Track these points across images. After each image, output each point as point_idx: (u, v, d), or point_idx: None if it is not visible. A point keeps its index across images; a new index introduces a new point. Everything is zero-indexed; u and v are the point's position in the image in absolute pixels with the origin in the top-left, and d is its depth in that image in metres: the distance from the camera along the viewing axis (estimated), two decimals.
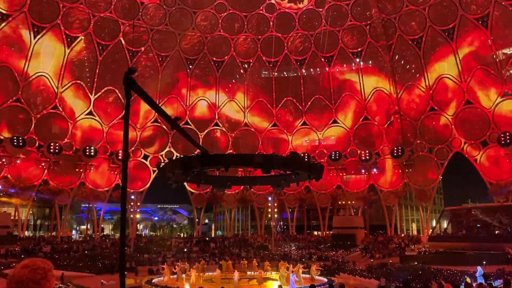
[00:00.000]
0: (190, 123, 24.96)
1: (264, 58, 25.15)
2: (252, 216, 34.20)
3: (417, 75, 23.22)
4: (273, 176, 10.50)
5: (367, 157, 23.83)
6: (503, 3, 19.81)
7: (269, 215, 26.99)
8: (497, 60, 20.72)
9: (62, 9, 21.60)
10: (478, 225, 19.16)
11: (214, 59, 25.07)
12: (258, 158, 10.06)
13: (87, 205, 24.68)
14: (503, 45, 20.64)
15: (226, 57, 25.13)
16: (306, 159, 22.47)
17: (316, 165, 10.17)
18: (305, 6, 24.00)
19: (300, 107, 25.35)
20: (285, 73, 25.83)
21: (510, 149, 20.39)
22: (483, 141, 21.57)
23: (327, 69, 25.06)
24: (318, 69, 25.63)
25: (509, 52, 20.87)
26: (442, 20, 21.73)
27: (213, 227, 41.89)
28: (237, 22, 24.55)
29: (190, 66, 24.97)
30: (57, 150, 22.20)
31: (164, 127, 24.16)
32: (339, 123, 24.96)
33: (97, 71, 23.11)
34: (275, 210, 26.96)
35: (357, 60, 24.59)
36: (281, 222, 34.85)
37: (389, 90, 23.77)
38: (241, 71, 25.52)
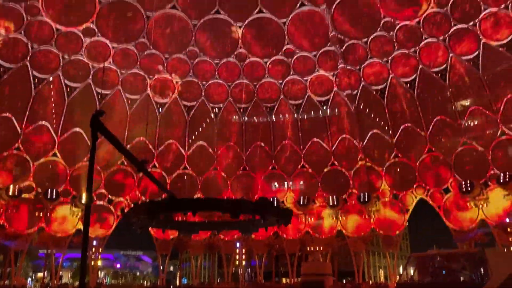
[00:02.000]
0: (157, 166, 24.68)
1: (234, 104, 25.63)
2: (219, 263, 33.24)
3: (381, 123, 24.08)
4: (241, 221, 10.37)
5: (335, 203, 24.10)
6: (463, 58, 21.14)
7: (237, 262, 26.39)
8: (456, 111, 21.94)
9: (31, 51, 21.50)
10: (444, 272, 19.38)
11: (185, 103, 25.25)
12: (227, 203, 9.97)
13: (46, 251, 23.51)
14: (461, 97, 21.90)
15: (196, 102, 25.36)
16: (275, 204, 22.43)
17: (284, 210, 10.16)
18: (275, 56, 24.77)
19: (270, 152, 25.63)
20: (255, 118, 26.22)
21: (472, 195, 21.07)
22: (446, 188, 22.31)
23: (295, 115, 25.66)
24: (287, 115, 26.17)
25: (467, 104, 22.09)
26: (402, 72, 22.96)
27: (178, 275, 40.62)
28: (209, 67, 25.01)
29: (160, 110, 24.99)
30: (16, 193, 21.36)
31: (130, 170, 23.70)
32: (307, 168, 25.24)
33: (64, 112, 22.80)
34: (243, 256, 26.42)
35: (324, 108, 25.36)
36: (249, 269, 34.00)
37: (355, 138, 24.53)
38: (212, 115, 25.73)
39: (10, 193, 21.22)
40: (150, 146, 24.63)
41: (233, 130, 26.00)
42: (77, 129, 22.93)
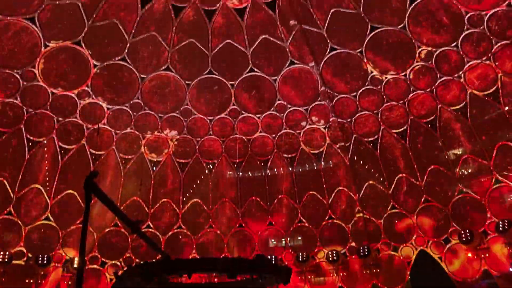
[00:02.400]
0: (151, 226, 24.26)
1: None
2: None
3: (376, 175, 24.15)
4: (239, 281, 10.04)
5: (334, 258, 23.58)
6: (448, 109, 21.63)
7: None
8: (449, 159, 22.13)
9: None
10: None
11: (179, 160, 25.31)
12: (223, 262, 9.71)
13: None
14: (452, 146, 22.18)
15: (190, 159, 25.43)
16: (273, 262, 21.88)
17: (283, 268, 9.90)
18: (268, 112, 25.27)
19: (265, 207, 25.37)
20: (249, 173, 26.22)
21: (473, 245, 20.72)
22: (445, 238, 21.99)
23: (290, 169, 25.71)
24: (282, 169, 26.21)
25: (459, 153, 22.31)
26: (394, 124, 23.38)
27: None
28: (202, 124, 25.35)
29: (154, 168, 24.99)
30: (6, 260, 20.74)
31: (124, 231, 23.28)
32: (304, 222, 24.90)
33: (57, 175, 22.72)
34: None
35: (319, 160, 25.49)
36: None
37: (351, 190, 24.49)
38: (206, 171, 25.72)
39: (0, 260, 20.63)
40: (144, 205, 24.38)
41: (228, 186, 25.90)
42: (71, 191, 22.81)
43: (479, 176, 21.33)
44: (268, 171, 25.99)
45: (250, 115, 25.40)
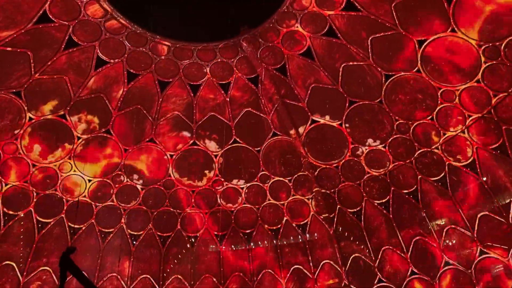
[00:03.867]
0: None
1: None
2: None
3: (362, 246, 23.82)
4: None
5: None
6: (429, 179, 21.98)
7: None
8: (433, 230, 22.06)
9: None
10: None
11: (159, 233, 24.65)
12: None
13: None
14: (435, 217, 22.24)
15: (171, 232, 24.82)
16: None
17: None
18: (251, 182, 25.29)
19: (250, 283, 24.52)
20: (233, 246, 25.59)
21: None
22: None
23: (274, 242, 25.20)
24: (266, 242, 25.68)
25: (442, 223, 22.32)
26: (375, 195, 23.52)
27: None
28: (184, 197, 25.11)
29: (134, 242, 24.23)
30: None
31: None
32: None
33: (33, 250, 21.80)
34: None
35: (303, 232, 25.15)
36: None
37: (336, 263, 23.97)
38: (188, 245, 25.02)
39: None
40: (123, 283, 23.29)
41: (210, 260, 25.10)
42: (46, 267, 21.76)
43: (463, 247, 21.21)
44: (252, 243, 25.43)
45: (233, 185, 25.37)
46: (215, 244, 25.33)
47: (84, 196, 23.28)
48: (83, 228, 23.29)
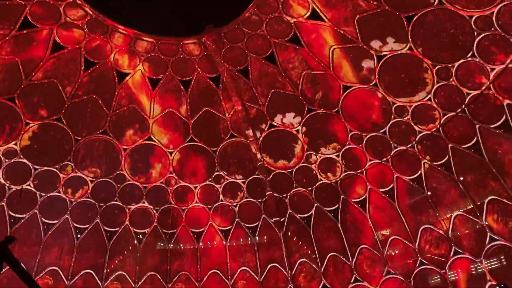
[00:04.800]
0: None
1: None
2: None
3: (309, 252, 24.23)
4: None
5: None
6: (378, 190, 22.71)
7: None
8: (378, 240, 22.81)
9: None
10: None
11: (106, 227, 23.95)
12: None
13: None
14: (380, 227, 23.02)
15: (119, 227, 24.18)
16: None
17: None
18: (204, 182, 25.16)
19: (197, 283, 24.27)
20: (181, 245, 25.28)
21: None
22: None
23: (224, 242, 25.15)
24: (215, 242, 25.55)
25: (387, 233, 23.11)
26: (325, 202, 24.04)
27: None
28: (137, 192, 24.58)
29: (79, 235, 23.38)
30: None
31: None
32: None
33: None
34: None
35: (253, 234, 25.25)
36: None
37: (283, 267, 24.23)
38: (135, 241, 24.45)
39: None
40: (63, 276, 22.41)
41: (157, 258, 24.67)
42: None
43: (404, 258, 22.06)
44: (201, 243, 25.23)
45: (186, 184, 25.11)
46: (163, 242, 24.92)
47: (29, 185, 22.25)
48: (25, 217, 22.23)
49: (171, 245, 24.97)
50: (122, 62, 23.27)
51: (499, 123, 17.78)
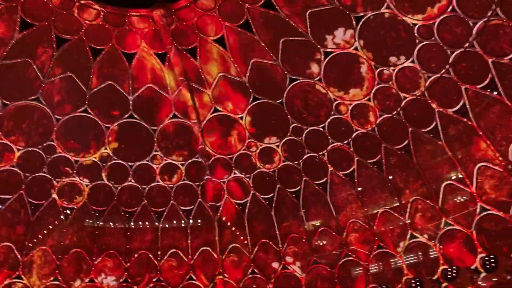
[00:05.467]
0: None
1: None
2: None
3: (241, 237, 24.53)
4: None
5: None
6: (313, 182, 23.36)
7: None
8: (307, 230, 23.59)
9: None
10: None
11: (31, 200, 22.70)
12: None
13: None
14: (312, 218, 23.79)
15: (45, 201, 23.04)
16: None
17: None
18: (142, 161, 24.56)
19: (124, 262, 23.74)
20: (110, 223, 24.55)
21: None
22: None
23: (156, 224, 24.75)
24: (147, 223, 25.06)
25: (317, 224, 23.90)
26: (262, 190, 24.40)
27: None
28: (68, 164, 23.49)
29: (0, 206, 22.01)
30: None
31: None
32: (161, 282, 23.79)
33: None
34: None
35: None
36: None
37: (214, 250, 24.37)
38: (61, 216, 23.38)
39: None
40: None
41: (83, 235, 23.80)
42: None
43: (331, 248, 23.01)
44: (132, 223, 24.66)
45: (123, 162, 24.33)
46: (92, 219, 24.06)
47: (13, 166, 21.14)
48: (11, 199, 21.01)
49: (101, 223, 24.20)
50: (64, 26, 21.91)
51: (430, 128, 18.85)
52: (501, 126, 16.32)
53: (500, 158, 16.46)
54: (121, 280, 23.53)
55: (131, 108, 23.82)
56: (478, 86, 16.55)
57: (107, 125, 23.77)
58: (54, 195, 23.23)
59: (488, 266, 14.63)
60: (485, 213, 17.35)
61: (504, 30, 14.87)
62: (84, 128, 23.67)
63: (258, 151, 24.04)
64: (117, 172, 24.31)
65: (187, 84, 23.52)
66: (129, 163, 24.42)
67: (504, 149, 16.28)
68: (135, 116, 24.00)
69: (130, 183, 24.47)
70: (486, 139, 16.88)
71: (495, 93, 16.09)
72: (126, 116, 23.90)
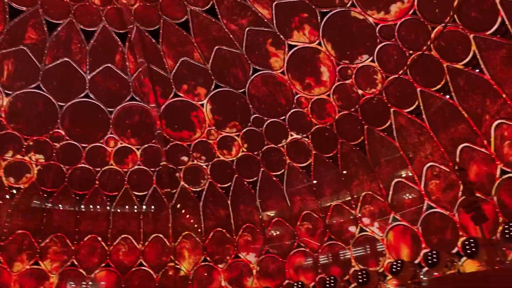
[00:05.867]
0: None
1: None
2: None
3: (195, 225, 24.45)
4: None
5: None
6: (270, 174, 23.57)
7: None
8: (262, 219, 23.85)
9: None
10: None
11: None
12: None
13: None
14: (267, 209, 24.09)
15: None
16: None
17: None
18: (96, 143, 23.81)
19: (71, 245, 23.04)
20: (60, 205, 23.71)
21: None
22: None
23: (108, 208, 24.16)
24: (98, 207, 24.39)
25: (271, 214, 24.18)
26: (220, 179, 24.38)
27: None
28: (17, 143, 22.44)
29: None
30: None
31: None
32: (111, 267, 23.32)
33: None
34: None
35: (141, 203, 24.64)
36: None
37: (167, 237, 24.17)
38: (7, 196, 22.32)
39: None
40: None
41: (31, 216, 22.90)
42: None
43: (283, 239, 23.41)
44: (83, 206, 23.93)
45: (76, 143, 23.50)
46: (40, 200, 23.13)
47: None
48: None
49: (49, 205, 23.33)
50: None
51: (384, 126, 19.45)
52: (451, 128, 17.05)
53: (448, 159, 17.23)
54: (68, 264, 22.85)
55: (87, 87, 22.97)
56: (433, 89, 17.13)
57: (61, 103, 22.84)
58: (0, 173, 22.16)
59: (430, 261, 15.28)
60: (431, 210, 18.17)
61: (459, 36, 15.44)
62: (36, 105, 22.63)
63: (217, 139, 23.95)
64: (69, 153, 23.47)
65: (147, 67, 22.95)
66: (83, 144, 23.64)
67: (452, 150, 17.04)
68: (91, 96, 23.19)
69: (82, 165, 23.71)
70: (436, 139, 17.59)
71: (447, 96, 16.72)
72: (82, 95, 23.05)
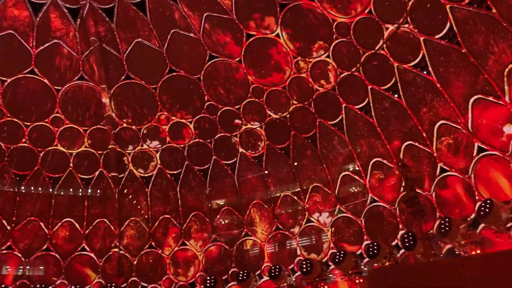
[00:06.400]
0: None
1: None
2: None
3: (142, 212, 23.99)
4: None
5: None
6: (221, 162, 23.53)
7: None
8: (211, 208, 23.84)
9: None
10: None
11: None
12: None
13: None
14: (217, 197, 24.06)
15: None
16: None
17: None
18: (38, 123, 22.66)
19: (8, 228, 21.88)
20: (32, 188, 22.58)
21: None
22: (192, 282, 22.95)
23: (50, 190, 23.09)
24: (40, 189, 23.24)
25: (221, 203, 24.18)
26: (169, 165, 24.06)
27: None
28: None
29: None
30: None
31: None
32: (51, 252, 22.42)
33: None
34: None
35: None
36: None
37: (112, 222, 23.54)
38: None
39: None
40: None
41: None
42: None
43: (233, 227, 23.53)
44: (23, 187, 22.73)
45: (17, 121, 22.21)
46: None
47: None
48: None
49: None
50: None
51: (336, 121, 19.95)
52: (397, 126, 17.81)
53: (392, 155, 17.98)
54: (3, 248, 21.67)
55: (33, 62, 21.70)
56: (383, 87, 17.74)
57: (3, 78, 21.46)
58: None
59: (371, 252, 15.93)
60: (375, 204, 18.95)
61: (410, 37, 16.02)
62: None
63: (169, 125, 23.53)
64: (11, 131, 22.16)
65: (99, 46, 22.03)
66: (26, 123, 22.39)
67: (396, 147, 17.80)
68: (37, 72, 21.94)
69: (24, 144, 22.48)
70: (383, 136, 18.29)
71: (396, 95, 17.39)
72: (27, 71, 21.76)
